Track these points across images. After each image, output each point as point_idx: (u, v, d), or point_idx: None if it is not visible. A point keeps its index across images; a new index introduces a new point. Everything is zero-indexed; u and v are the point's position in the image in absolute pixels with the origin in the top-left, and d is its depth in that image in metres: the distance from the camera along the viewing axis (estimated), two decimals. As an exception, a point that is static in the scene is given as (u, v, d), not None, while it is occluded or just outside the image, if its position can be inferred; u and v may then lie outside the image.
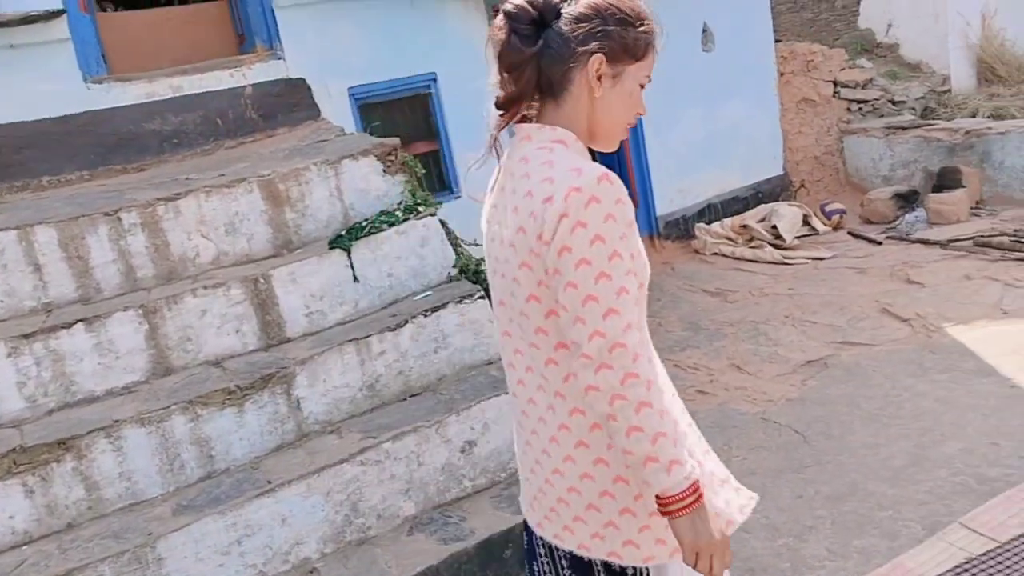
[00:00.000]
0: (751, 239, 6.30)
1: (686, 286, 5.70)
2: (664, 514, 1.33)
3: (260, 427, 2.78)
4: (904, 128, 6.79)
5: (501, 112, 1.45)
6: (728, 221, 6.49)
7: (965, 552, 2.46)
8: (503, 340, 1.53)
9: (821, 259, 5.74)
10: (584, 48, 1.37)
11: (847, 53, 7.73)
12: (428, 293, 3.32)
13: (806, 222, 6.40)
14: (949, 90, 7.72)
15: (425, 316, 3.09)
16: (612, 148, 1.54)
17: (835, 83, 7.31)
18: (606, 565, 1.46)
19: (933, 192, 6.11)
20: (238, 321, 3.04)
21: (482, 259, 3.65)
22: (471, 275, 3.51)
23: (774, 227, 6.22)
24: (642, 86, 1.48)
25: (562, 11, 1.39)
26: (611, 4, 1.40)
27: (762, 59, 6.95)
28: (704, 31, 6.58)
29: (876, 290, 4.92)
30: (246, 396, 2.77)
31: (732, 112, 6.77)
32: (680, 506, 1.31)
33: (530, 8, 1.39)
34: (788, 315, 4.79)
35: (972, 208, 5.97)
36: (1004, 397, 3.38)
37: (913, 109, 7.41)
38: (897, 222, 6.06)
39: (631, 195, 6.49)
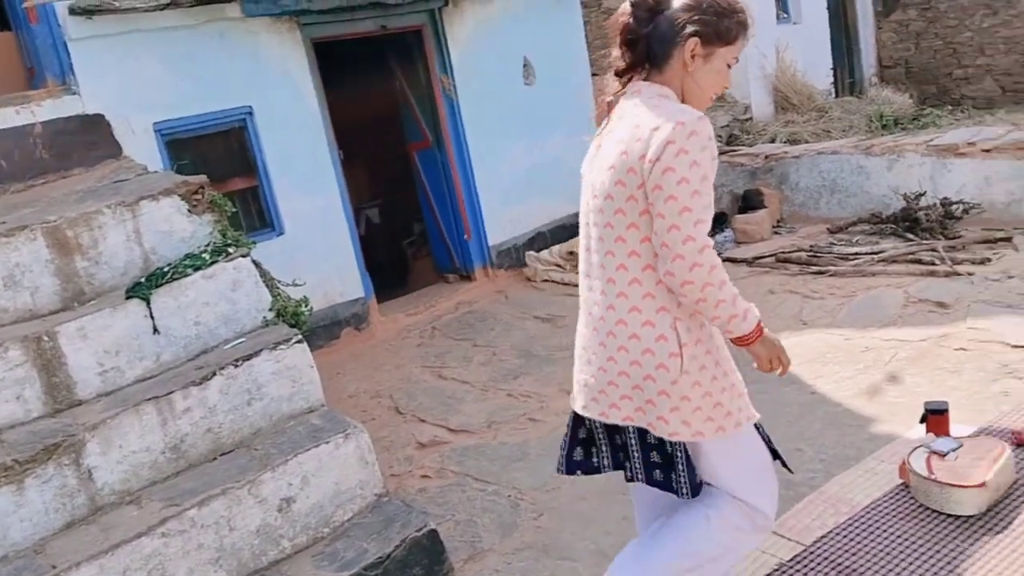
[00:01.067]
0: (578, 265, 6.47)
1: (519, 314, 5.78)
2: (745, 346, 1.82)
3: (45, 504, 2.49)
4: (712, 154, 7.27)
5: (619, 79, 1.86)
6: (556, 248, 6.66)
7: (776, 558, 2.59)
8: (584, 257, 1.98)
9: (644, 281, 5.99)
10: (684, 32, 1.76)
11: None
12: (240, 340, 3.13)
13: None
14: (751, 118, 8.38)
15: (236, 366, 2.91)
16: (700, 109, 1.80)
17: (650, 113, 7.71)
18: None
19: (739, 213, 6.56)
20: (18, 386, 2.73)
21: (301, 300, 3.53)
22: (289, 317, 3.36)
23: (600, 252, 6.44)
24: (729, 65, 1.83)
25: (673, 2, 1.78)
26: (703, 2, 1.76)
27: (580, 93, 7.22)
28: (525, 65, 6.76)
29: (693, 308, 5.18)
30: (27, 471, 2.47)
31: (555, 143, 6.98)
32: (756, 336, 1.80)
33: None
34: (615, 337, 4.94)
35: (773, 227, 6.47)
36: (805, 404, 3.63)
37: (720, 136, 7.96)
38: (710, 242, 6.45)
39: (463, 227, 6.51)
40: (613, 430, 1.98)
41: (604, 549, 2.83)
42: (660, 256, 1.72)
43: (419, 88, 6.41)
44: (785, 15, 8.94)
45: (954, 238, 5.30)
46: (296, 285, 3.70)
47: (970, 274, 4.73)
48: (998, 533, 2.44)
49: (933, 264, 4.97)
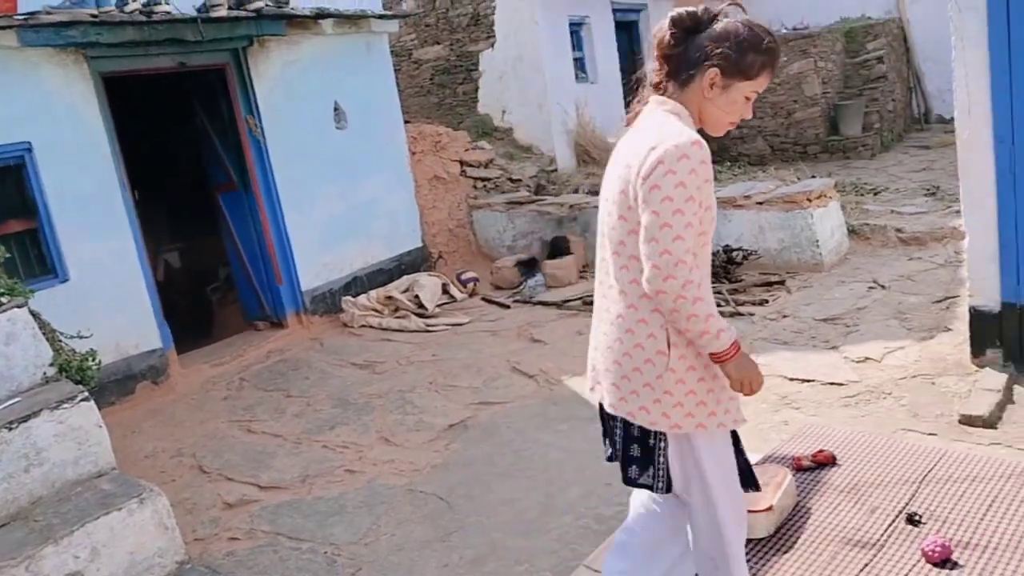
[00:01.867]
0: (396, 309, 6.46)
1: (335, 361, 5.63)
2: (719, 363, 1.89)
3: None
4: (521, 203, 7.56)
5: (654, 90, 1.95)
6: (374, 293, 6.59)
7: (589, 591, 2.67)
8: (598, 251, 2.06)
9: (460, 324, 6.08)
10: (707, 61, 1.86)
11: (470, 135, 8.44)
12: (16, 400, 2.81)
13: (445, 290, 6.75)
14: (556, 169, 8.81)
15: (10, 429, 2.60)
16: (717, 134, 1.99)
17: (461, 162, 7.91)
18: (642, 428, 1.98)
19: (548, 259, 6.84)
20: None
21: (88, 354, 3.22)
22: (74, 373, 3.06)
23: (417, 297, 6.46)
24: (748, 98, 1.91)
25: (708, 27, 1.88)
26: (741, 30, 1.86)
27: (394, 138, 7.28)
28: (336, 110, 6.71)
29: (507, 350, 5.32)
30: None
31: (370, 187, 6.96)
32: (728, 356, 1.87)
33: (687, 19, 1.90)
34: (432, 381, 4.95)
35: (580, 271, 6.80)
36: (613, 439, 3.81)
37: (528, 186, 8.29)
38: (521, 287, 6.67)
39: (273, 272, 6.24)
40: (610, 418, 2.08)
41: (425, 599, 2.79)
42: (643, 264, 1.83)
43: (223, 128, 6.17)
44: (584, 75, 9.56)
45: (736, 282, 5.84)
46: (82, 337, 3.39)
47: (751, 314, 5.22)
48: (786, 552, 2.67)
49: (719, 306, 5.44)
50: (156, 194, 7.48)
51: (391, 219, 7.15)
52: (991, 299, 3.69)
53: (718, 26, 1.89)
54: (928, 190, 7.10)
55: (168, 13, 5.24)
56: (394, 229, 7.17)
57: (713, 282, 5.79)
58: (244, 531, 3.46)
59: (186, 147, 6.93)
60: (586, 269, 6.94)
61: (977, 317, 3.76)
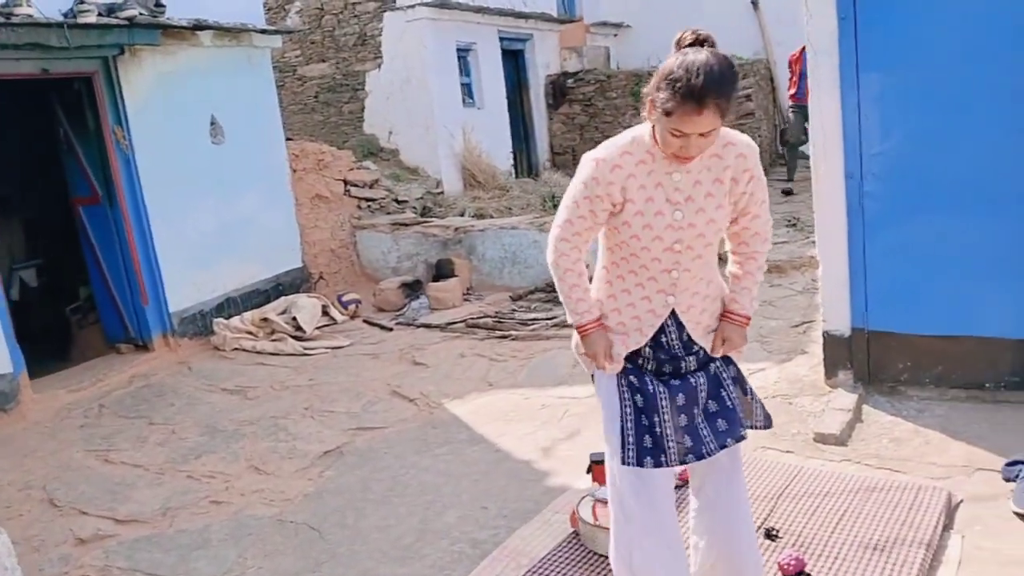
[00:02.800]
0: (272, 332, 6.26)
1: (204, 386, 5.39)
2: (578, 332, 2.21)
3: None
4: (407, 224, 7.53)
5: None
6: (248, 315, 6.37)
7: (462, 617, 2.66)
8: None
9: (340, 347, 5.96)
10: (647, 89, 1.95)
11: (355, 155, 8.35)
12: None
13: (325, 312, 6.61)
14: (442, 192, 8.83)
15: None
16: (667, 157, 2.00)
17: (345, 182, 7.81)
18: None
19: (433, 281, 6.83)
20: None
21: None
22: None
23: (294, 319, 6.28)
24: (674, 135, 1.90)
25: (688, 52, 1.90)
26: (672, 67, 1.87)
27: (274, 154, 7.10)
28: (213, 123, 6.49)
29: (388, 373, 5.25)
30: None
31: (247, 205, 6.74)
32: (581, 333, 2.19)
33: (679, 41, 1.96)
34: (308, 406, 4.82)
35: (464, 294, 6.82)
36: (491, 462, 3.82)
37: (414, 208, 8.27)
38: (405, 309, 6.62)
39: (139, 291, 5.95)
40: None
41: (291, 633, 2.70)
42: None
43: (88, 139, 5.83)
44: (470, 100, 9.66)
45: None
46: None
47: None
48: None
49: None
50: (11, 206, 6.98)
51: (269, 238, 6.95)
52: (842, 324, 3.96)
53: (674, 56, 1.90)
54: (790, 221, 7.56)
55: (29, 16, 4.93)
56: (272, 248, 6.97)
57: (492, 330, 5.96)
58: (98, 568, 3.24)
59: (47, 158, 6.51)
60: (470, 292, 6.97)
61: (830, 341, 4.03)
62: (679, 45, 1.94)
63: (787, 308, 5.49)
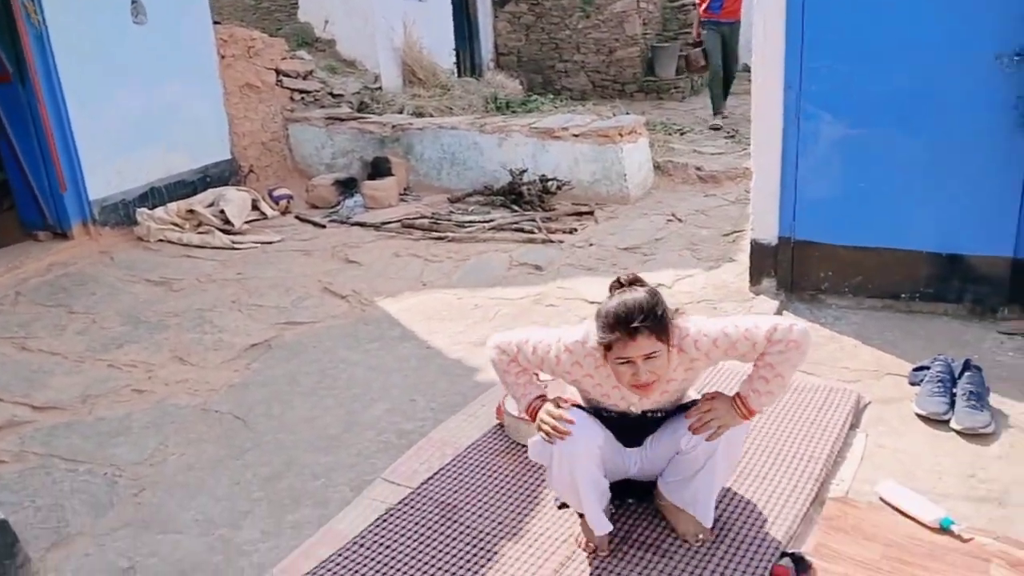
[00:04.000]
0: (199, 224, 6.07)
1: (127, 276, 5.22)
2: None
3: None
4: (342, 119, 7.28)
5: None
6: (174, 206, 6.14)
7: (385, 504, 2.71)
8: None
9: (270, 243, 5.82)
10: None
11: (288, 44, 7.95)
12: None
13: (255, 207, 6.42)
14: (380, 87, 8.54)
15: None
16: (632, 392, 2.23)
17: (278, 72, 7.46)
18: None
19: (368, 179, 6.68)
20: None
21: None
22: None
23: (223, 212, 6.09)
24: (620, 365, 2.13)
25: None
26: (608, 309, 2.12)
27: (200, 39, 6.71)
28: (134, 2, 6.06)
29: (319, 270, 5.17)
30: None
31: (172, 90, 6.40)
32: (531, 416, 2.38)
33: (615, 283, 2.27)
34: (235, 300, 4.73)
35: (400, 194, 6.70)
36: (421, 358, 3.84)
37: (351, 103, 7.99)
38: (338, 207, 6.48)
39: (56, 177, 5.66)
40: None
41: (213, 517, 2.71)
42: None
43: (-6, 10, 5.39)
44: (412, -8, 9.25)
45: (550, 211, 6.00)
46: None
47: (560, 242, 5.40)
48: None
49: (532, 233, 5.58)
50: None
51: (195, 127, 6.64)
52: (769, 233, 4.04)
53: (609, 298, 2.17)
54: (728, 133, 7.60)
55: None
56: (199, 138, 6.68)
57: (527, 210, 5.97)
58: (13, 454, 3.17)
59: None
60: (407, 191, 6.86)
61: (757, 249, 4.11)
62: (612, 289, 2.21)
63: (719, 218, 5.58)
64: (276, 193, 6.62)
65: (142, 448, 3.16)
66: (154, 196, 6.26)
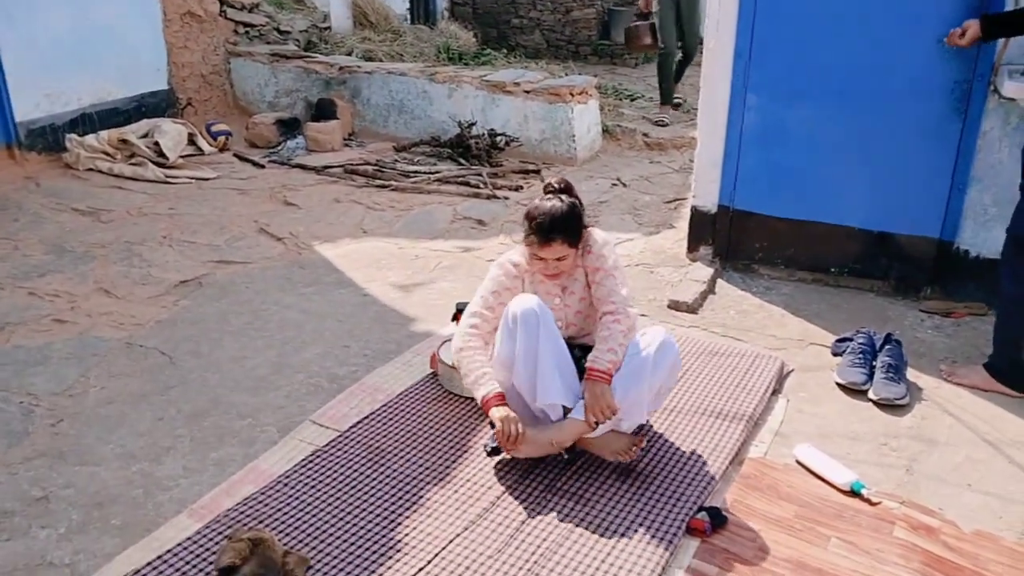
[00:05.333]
0: (132, 156, 5.83)
1: (53, 204, 5.00)
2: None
3: None
4: (288, 57, 7.04)
5: None
6: (105, 134, 5.87)
7: (312, 445, 2.69)
8: None
9: (205, 179, 5.64)
10: None
11: (234, -28, 7.61)
12: None
13: (192, 141, 6.19)
14: (329, 27, 8.28)
15: None
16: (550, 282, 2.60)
17: (221, 1, 7.15)
18: None
19: (312, 121, 6.50)
20: None
21: None
22: None
23: (157, 144, 5.86)
24: (534, 258, 2.49)
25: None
26: (528, 209, 2.49)
27: (139, -43, 6.38)
28: (69, -89, 5.71)
29: (256, 211, 5.04)
30: None
31: (107, 12, 6.08)
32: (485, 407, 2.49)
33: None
34: (167, 235, 4.58)
35: (344, 139, 6.55)
36: (357, 305, 3.80)
37: (297, 41, 7.73)
38: (279, 147, 6.30)
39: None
40: None
41: (133, 452, 2.64)
42: None
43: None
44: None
45: (497, 166, 5.95)
46: None
47: (506, 198, 5.37)
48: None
49: (478, 187, 5.54)
50: None
51: (131, 53, 6.34)
52: (710, 201, 4.10)
53: (538, 199, 2.51)
54: (676, 102, 7.63)
55: None
56: (134, 65, 6.38)
57: (474, 164, 5.91)
58: (-80, 379, 3.04)
59: None
60: (352, 136, 6.71)
61: (696, 216, 4.17)
62: (544, 191, 2.55)
63: (662, 185, 5.62)
64: (214, 129, 6.39)
65: (61, 379, 3.06)
66: (85, 123, 5.97)
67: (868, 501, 2.47)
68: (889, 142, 3.71)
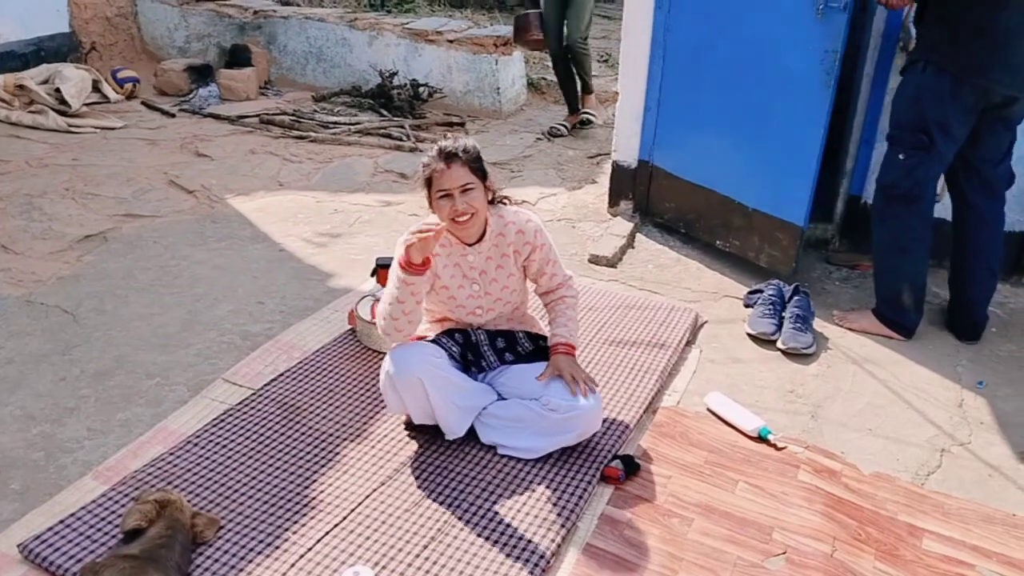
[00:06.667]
0: (31, 103, 5.49)
1: (-59, 154, 4.68)
2: None
3: None
4: (198, 0, 6.70)
5: None
6: (0, 79, 5.51)
7: (225, 404, 2.63)
8: None
9: (111, 128, 5.36)
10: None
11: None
12: None
13: (96, 88, 5.87)
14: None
15: None
16: (459, 235, 2.38)
17: (126, -63, 6.72)
18: None
19: (225, 68, 6.23)
20: None
21: None
22: None
23: (58, 90, 5.53)
24: (440, 198, 2.29)
25: None
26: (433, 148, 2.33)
27: None
28: None
29: (165, 162, 4.83)
30: None
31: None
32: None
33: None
34: (69, 188, 4.35)
35: (260, 87, 6.31)
36: (272, 260, 3.70)
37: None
38: (191, 95, 6.03)
39: None
40: None
41: (33, 413, 2.53)
42: None
43: None
44: None
45: (420, 118, 5.84)
46: None
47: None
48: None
49: (400, 140, 5.43)
50: None
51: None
52: (630, 156, 4.11)
53: None
54: (602, 57, 7.60)
55: None
56: (31, 4, 5.97)
57: (396, 115, 5.78)
58: None
59: None
60: (268, 85, 6.47)
61: (618, 172, 4.18)
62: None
63: (586, 140, 5.62)
64: (121, 75, 6.06)
65: (-47, 340, 2.90)
66: (-24, 66, 5.59)
67: (774, 446, 2.57)
68: (767, 113, 3.43)
